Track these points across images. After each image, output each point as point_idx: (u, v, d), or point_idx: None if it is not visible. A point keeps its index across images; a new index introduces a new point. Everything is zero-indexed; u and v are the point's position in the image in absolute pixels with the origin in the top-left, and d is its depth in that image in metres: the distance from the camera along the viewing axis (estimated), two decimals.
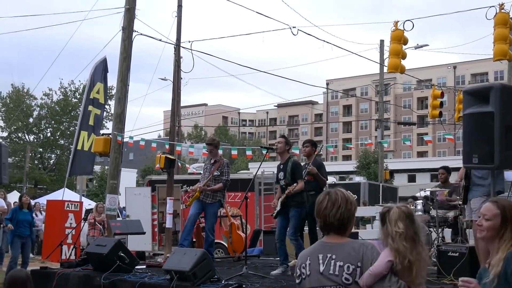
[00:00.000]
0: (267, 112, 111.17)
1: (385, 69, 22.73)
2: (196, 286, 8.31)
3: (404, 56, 16.92)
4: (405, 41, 16.60)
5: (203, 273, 8.50)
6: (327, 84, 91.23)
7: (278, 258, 12.19)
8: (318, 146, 11.16)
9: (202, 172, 12.19)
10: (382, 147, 34.38)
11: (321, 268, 3.73)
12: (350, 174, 54.80)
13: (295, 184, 9.75)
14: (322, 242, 3.83)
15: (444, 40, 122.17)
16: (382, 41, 29.34)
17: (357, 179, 35.18)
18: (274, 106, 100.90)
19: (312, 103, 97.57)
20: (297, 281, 3.88)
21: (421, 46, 30.56)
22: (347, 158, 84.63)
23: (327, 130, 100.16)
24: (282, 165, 10.30)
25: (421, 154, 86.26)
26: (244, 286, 8.24)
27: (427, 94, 63.61)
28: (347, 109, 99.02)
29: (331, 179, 27.59)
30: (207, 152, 11.98)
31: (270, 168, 23.18)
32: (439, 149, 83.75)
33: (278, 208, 10.03)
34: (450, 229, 12.22)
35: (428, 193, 13.03)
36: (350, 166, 58.50)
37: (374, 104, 71.06)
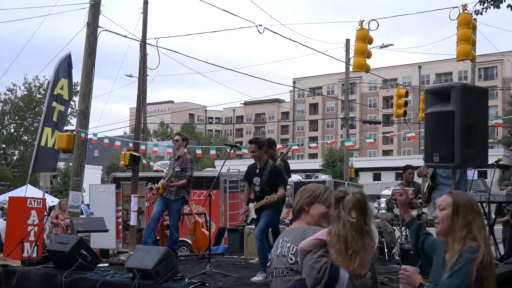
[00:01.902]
0: (234, 110, 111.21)
1: (351, 68, 22.93)
2: (158, 284, 8.27)
3: (369, 56, 17.02)
4: (370, 41, 16.70)
5: (166, 271, 8.46)
6: (294, 82, 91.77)
7: (244, 257, 12.27)
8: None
9: (166, 169, 12.14)
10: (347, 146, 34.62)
11: (278, 251, 3.87)
12: (316, 172, 55.03)
13: (274, 195, 8.91)
14: (287, 228, 3.92)
15: (409, 40, 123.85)
16: (348, 40, 29.47)
17: (323, 177, 35.24)
18: (241, 104, 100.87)
19: (278, 101, 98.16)
20: (268, 265, 4.02)
21: (386, 46, 30.83)
22: (313, 156, 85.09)
23: (293, 128, 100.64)
24: (258, 170, 9.43)
25: (386, 153, 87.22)
26: (207, 284, 8.23)
27: (393, 93, 64.12)
28: (314, 107, 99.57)
29: (296, 177, 27.71)
30: (171, 151, 11.88)
31: (235, 165, 23.18)
32: (404, 147, 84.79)
33: (252, 215, 9.46)
34: None
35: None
36: (316, 164, 58.95)
37: (340, 102, 71.39)
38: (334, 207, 3.72)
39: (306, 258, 3.58)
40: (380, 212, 12.57)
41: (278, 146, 14.22)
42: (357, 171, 38.07)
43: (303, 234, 3.74)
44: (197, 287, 8.10)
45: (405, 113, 22.70)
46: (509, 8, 14.13)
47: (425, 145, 6.17)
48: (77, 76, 18.76)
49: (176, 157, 11.40)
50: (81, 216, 18.13)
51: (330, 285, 3.48)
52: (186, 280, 8.44)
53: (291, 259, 3.72)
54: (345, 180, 30.62)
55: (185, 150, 11.67)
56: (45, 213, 15.88)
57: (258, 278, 8.70)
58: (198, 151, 21.11)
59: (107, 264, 10.82)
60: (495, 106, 68.70)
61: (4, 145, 52.78)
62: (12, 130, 52.96)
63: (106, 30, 17.10)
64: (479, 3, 13.97)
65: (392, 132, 54.75)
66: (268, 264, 3.98)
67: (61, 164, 46.46)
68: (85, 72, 16.52)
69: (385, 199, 13.37)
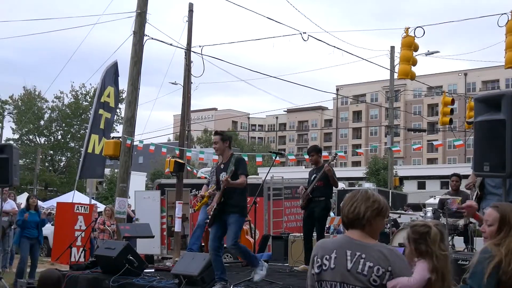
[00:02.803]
0: (277, 117, 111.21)
1: (396, 76, 22.73)
2: None
3: (414, 63, 16.89)
4: (416, 48, 16.57)
5: (211, 278, 8.51)
6: (337, 90, 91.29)
7: (288, 264, 12.23)
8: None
9: (209, 175, 12.14)
10: (392, 154, 34.26)
11: (349, 265, 3.66)
12: (359, 180, 54.58)
13: (240, 180, 8.57)
14: (348, 238, 3.76)
15: (455, 47, 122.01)
16: (392, 48, 29.24)
17: (366, 185, 35.05)
18: (284, 111, 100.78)
19: (322, 108, 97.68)
20: (316, 270, 3.79)
21: (432, 53, 30.41)
22: (356, 164, 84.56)
23: (336, 136, 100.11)
24: (223, 165, 8.95)
25: (431, 161, 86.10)
26: None
27: (438, 101, 63.39)
28: (357, 115, 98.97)
29: (340, 185, 27.51)
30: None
31: (279, 173, 23.20)
32: (449, 156, 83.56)
33: (212, 212, 8.75)
34: (461, 237, 12.14)
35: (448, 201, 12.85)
36: (360, 172, 58.31)
37: (384, 110, 70.82)
38: (418, 242, 3.68)
39: None
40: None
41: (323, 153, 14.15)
42: (402, 179, 37.66)
43: (389, 257, 3.63)
44: None
45: (451, 121, 22.47)
46: None
47: (474, 154, 6.06)
48: (123, 83, 19.05)
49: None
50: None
51: None
52: (231, 287, 8.46)
53: (375, 281, 3.59)
54: (389, 188, 30.29)
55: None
56: (93, 219, 16.13)
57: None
58: (258, 160, 21.40)
59: (153, 270, 10.94)
60: None
61: (51, 152, 53.64)
62: (60, 137, 53.89)
63: (152, 38, 17.28)
64: None
65: (438, 140, 53.97)
66: (318, 271, 3.84)
67: (107, 171, 47.12)
68: (131, 79, 16.71)
69: (431, 208, 13.21)
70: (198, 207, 11.52)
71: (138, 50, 16.70)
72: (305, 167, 55.16)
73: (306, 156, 12.02)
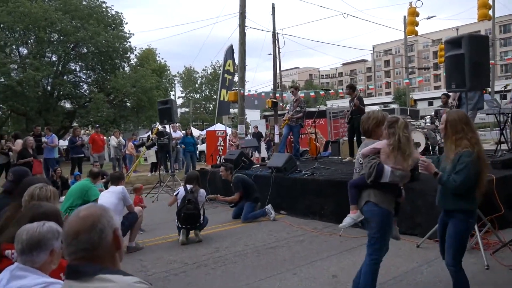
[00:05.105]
0: (336, 69, 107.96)
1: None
2: (286, 176, 8.37)
3: (417, 24, 15.65)
4: (417, 14, 15.24)
5: (290, 167, 8.54)
6: (373, 47, 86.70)
7: (340, 157, 12.00)
8: (356, 90, 10.50)
9: (288, 106, 12.03)
10: (408, 86, 32.42)
11: (357, 157, 3.71)
12: (389, 104, 52.25)
13: (233, 196, 7.99)
14: (364, 141, 3.73)
15: (450, 11, 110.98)
16: (404, 16, 27.10)
17: (393, 106, 33.39)
18: (340, 64, 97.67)
19: (364, 60, 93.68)
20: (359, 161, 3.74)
21: (431, 17, 28.13)
22: (387, 94, 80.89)
23: (374, 77, 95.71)
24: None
25: (436, 87, 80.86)
26: (315, 174, 8.17)
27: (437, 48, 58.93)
28: (387, 63, 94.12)
29: (376, 107, 26.45)
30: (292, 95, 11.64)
31: (336, 102, 22.49)
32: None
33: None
34: None
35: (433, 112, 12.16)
36: (389, 98, 55.87)
37: (404, 58, 66.84)
38: (389, 127, 3.47)
39: (364, 160, 3.49)
40: (426, 124, 11.74)
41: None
42: (416, 101, 35.61)
43: (366, 145, 3.58)
44: (308, 176, 8.09)
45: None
46: None
47: (446, 78, 5.59)
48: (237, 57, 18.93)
49: (294, 100, 11.23)
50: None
51: (377, 175, 3.36)
52: (302, 172, 8.46)
53: (360, 161, 3.59)
54: (407, 107, 28.77)
55: (300, 94, 11.49)
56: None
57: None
58: (312, 94, 21.00)
59: (258, 165, 11.08)
60: None
61: (203, 102, 55.52)
62: (207, 93, 55.41)
63: (250, 27, 17.13)
64: None
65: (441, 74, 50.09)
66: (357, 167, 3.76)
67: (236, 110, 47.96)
68: (240, 54, 16.62)
69: (429, 116, 12.49)
70: (283, 126, 11.52)
71: (242, 36, 16.49)
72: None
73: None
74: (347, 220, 3.63)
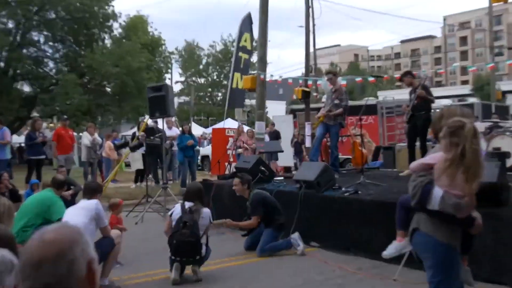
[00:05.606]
0: (392, 48, 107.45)
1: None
2: (320, 193, 8.30)
3: None
4: None
5: (325, 182, 8.48)
6: (444, 19, 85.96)
7: (396, 169, 11.89)
8: (420, 76, 10.41)
9: (325, 98, 11.98)
10: (493, 71, 31.82)
11: None
12: (466, 96, 51.63)
13: (248, 221, 7.95)
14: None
15: None
16: None
17: (471, 100, 32.88)
18: (398, 42, 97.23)
19: (431, 37, 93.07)
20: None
21: None
22: (464, 83, 79.89)
23: (445, 60, 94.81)
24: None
25: None
26: (359, 192, 8.08)
27: None
28: (463, 40, 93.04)
29: (448, 102, 26.10)
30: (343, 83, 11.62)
31: (391, 94, 22.38)
32: None
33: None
34: None
35: None
36: (466, 89, 55.08)
37: (488, 33, 65.93)
38: (450, 135, 3.36)
39: (411, 177, 3.53)
40: None
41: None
42: (504, 93, 35.00)
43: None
44: (350, 194, 8.01)
45: None
46: None
47: None
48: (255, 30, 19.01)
49: (333, 90, 11.13)
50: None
51: (422, 200, 3.36)
52: (342, 189, 8.38)
53: None
54: (492, 101, 28.33)
55: (341, 82, 11.45)
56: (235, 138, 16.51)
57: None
58: (358, 80, 21.07)
59: (282, 178, 11.03)
60: None
61: (209, 89, 55.80)
62: (215, 77, 55.72)
63: None
64: None
65: None
66: None
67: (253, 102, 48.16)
68: (261, 26, 16.54)
69: None
70: (316, 124, 11.47)
71: (265, 1, 16.41)
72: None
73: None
74: (390, 249, 3.63)
